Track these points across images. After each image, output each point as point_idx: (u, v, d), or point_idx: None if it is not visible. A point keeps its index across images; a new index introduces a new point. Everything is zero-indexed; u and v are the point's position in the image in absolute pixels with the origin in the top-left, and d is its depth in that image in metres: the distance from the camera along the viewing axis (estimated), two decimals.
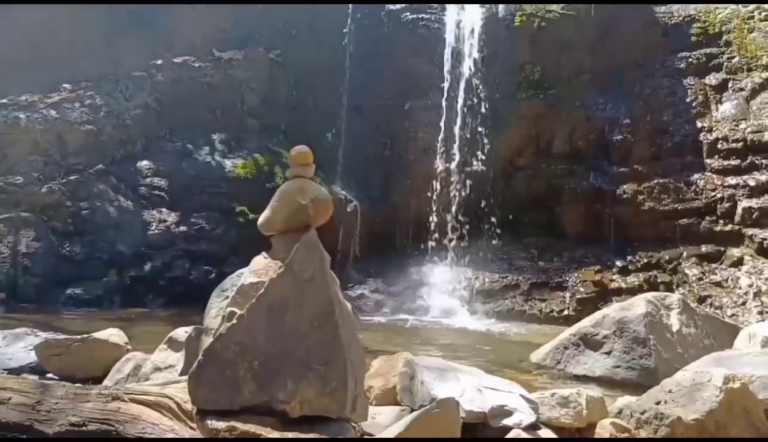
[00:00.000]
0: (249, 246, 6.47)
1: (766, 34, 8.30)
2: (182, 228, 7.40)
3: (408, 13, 8.73)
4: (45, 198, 6.96)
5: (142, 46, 8.17)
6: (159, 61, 8.32)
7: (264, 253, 2.34)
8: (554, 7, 8.59)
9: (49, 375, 3.60)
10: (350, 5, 8.84)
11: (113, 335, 3.87)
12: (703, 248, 7.48)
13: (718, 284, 7.09)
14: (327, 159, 8.35)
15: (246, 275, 2.30)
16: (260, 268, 2.29)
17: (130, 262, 7.01)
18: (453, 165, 8.32)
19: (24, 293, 6.52)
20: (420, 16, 8.73)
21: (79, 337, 3.78)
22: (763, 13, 8.43)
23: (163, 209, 7.47)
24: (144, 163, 7.67)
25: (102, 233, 7.02)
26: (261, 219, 2.36)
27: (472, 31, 8.51)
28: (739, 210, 7.45)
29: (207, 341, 2.29)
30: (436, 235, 8.23)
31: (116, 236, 7.03)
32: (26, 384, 2.49)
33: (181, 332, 3.54)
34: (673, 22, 8.70)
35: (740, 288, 6.95)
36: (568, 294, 7.30)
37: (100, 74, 8.02)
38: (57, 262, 6.76)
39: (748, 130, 7.77)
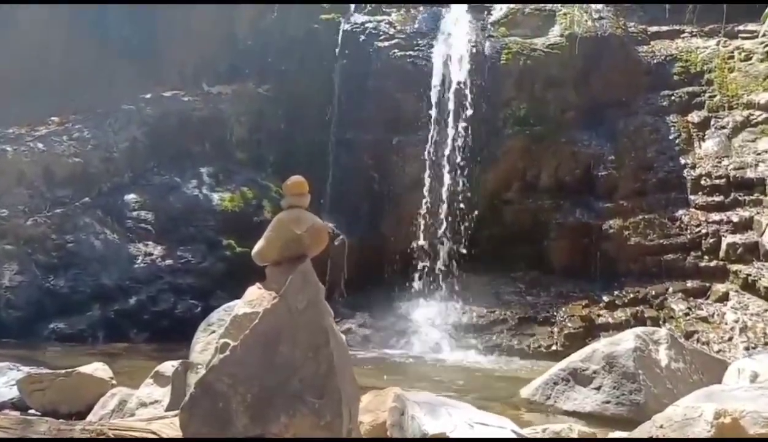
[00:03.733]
0: (236, 280, 6.48)
1: (746, 73, 8.52)
2: (168, 261, 7.34)
3: (396, 50, 8.84)
4: (30, 230, 6.89)
5: (131, 80, 8.21)
6: (148, 95, 8.36)
7: (258, 283, 2.33)
8: (539, 45, 8.75)
9: (32, 411, 3.53)
10: (338, 43, 8.95)
11: (98, 369, 3.81)
12: (689, 284, 7.52)
13: (705, 319, 7.12)
14: (315, 192, 8.30)
15: (240, 306, 2.28)
16: (254, 298, 2.27)
17: (115, 296, 6.92)
18: (440, 199, 8.35)
19: (6, 327, 6.39)
20: (408, 53, 8.83)
21: (63, 371, 3.71)
22: (743, 54, 8.66)
23: (150, 242, 7.42)
24: (131, 196, 7.64)
25: (87, 267, 6.94)
26: (255, 249, 2.35)
27: (459, 68, 8.62)
28: (723, 246, 7.53)
29: (193, 376, 2.26)
30: (424, 269, 8.23)
31: (101, 270, 6.95)
32: (8, 420, 2.44)
33: (167, 367, 3.49)
34: (655, 61, 8.91)
35: (726, 323, 6.99)
36: (556, 329, 7.29)
37: (89, 107, 8.04)
38: (40, 295, 6.66)
39: (731, 167, 7.92)
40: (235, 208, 7.91)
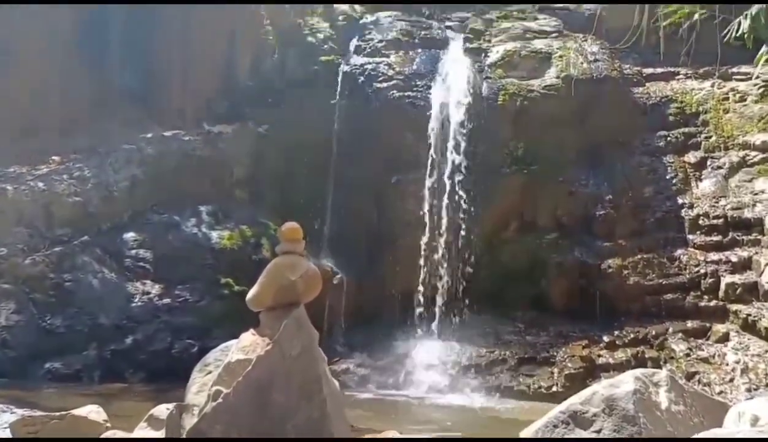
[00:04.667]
0: (233, 319, 6.46)
1: (741, 115, 8.61)
2: (166, 300, 7.32)
3: (395, 91, 8.95)
4: (28, 269, 6.88)
5: (132, 120, 8.30)
6: (149, 134, 8.43)
7: (252, 329, 2.32)
8: (536, 87, 8.86)
9: None
10: (338, 84, 9.06)
11: (92, 411, 3.76)
12: (689, 324, 7.47)
13: (706, 360, 7.06)
14: (314, 231, 8.41)
15: (233, 352, 2.27)
16: (248, 344, 2.26)
17: (112, 335, 6.88)
18: (439, 238, 8.37)
19: (1, 367, 6.34)
20: (406, 93, 8.94)
21: (57, 414, 3.67)
22: (738, 95, 8.78)
23: (147, 281, 7.41)
24: (130, 235, 7.65)
25: (84, 306, 6.92)
26: (250, 295, 2.35)
27: (457, 108, 8.72)
28: (722, 286, 7.50)
29: (188, 419, 2.24)
30: (423, 308, 8.20)
31: (98, 309, 6.93)
32: None
33: (162, 410, 3.44)
34: (651, 102, 9.01)
35: (727, 364, 6.92)
36: (556, 369, 7.22)
37: (90, 147, 8.11)
38: (37, 335, 6.63)
39: (728, 207, 7.94)
40: (233, 246, 7.92)
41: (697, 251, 7.85)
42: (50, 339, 6.67)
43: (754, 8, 8.04)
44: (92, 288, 7.08)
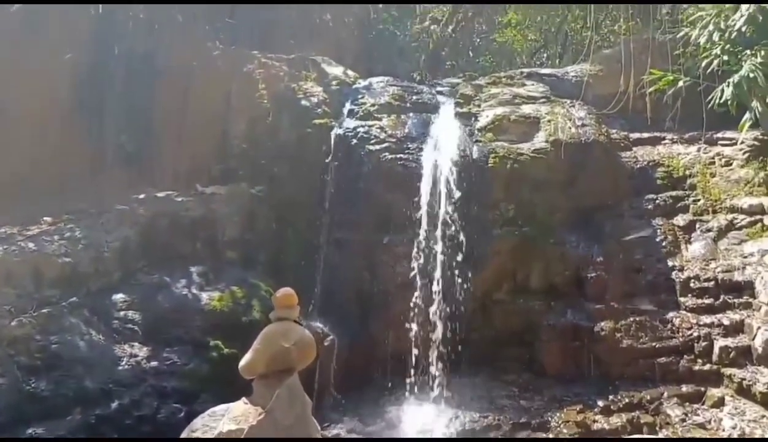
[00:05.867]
0: (221, 383, 6.34)
1: (727, 179, 8.79)
2: (153, 363, 7.16)
3: (387, 153, 9.04)
4: (15, 331, 6.75)
5: (125, 181, 8.34)
6: (141, 195, 8.46)
7: (244, 398, 2.28)
8: (525, 150, 9.00)
9: None
10: (331, 146, 9.18)
11: None
12: (684, 388, 7.40)
13: (702, 426, 6.95)
14: (305, 292, 8.31)
15: (224, 422, 2.22)
16: (239, 414, 2.21)
17: (97, 399, 6.69)
18: (431, 300, 8.32)
19: None
20: (398, 156, 9.03)
21: None
22: (724, 160, 8.97)
23: (135, 344, 7.26)
24: (119, 296, 7.55)
25: (70, 369, 6.74)
26: (242, 362, 2.32)
27: (448, 171, 8.80)
28: (716, 349, 7.49)
29: None
30: (415, 371, 8.08)
31: (85, 372, 6.75)
32: None
33: None
34: (638, 166, 9.19)
35: (724, 430, 6.82)
36: (551, 435, 7.09)
37: (82, 208, 8.11)
38: (20, 399, 6.43)
39: (719, 269, 8.00)
40: (224, 307, 7.82)
41: (689, 314, 7.86)
42: (34, 403, 6.47)
43: (736, 76, 8.28)
44: (79, 350, 6.93)
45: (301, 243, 8.88)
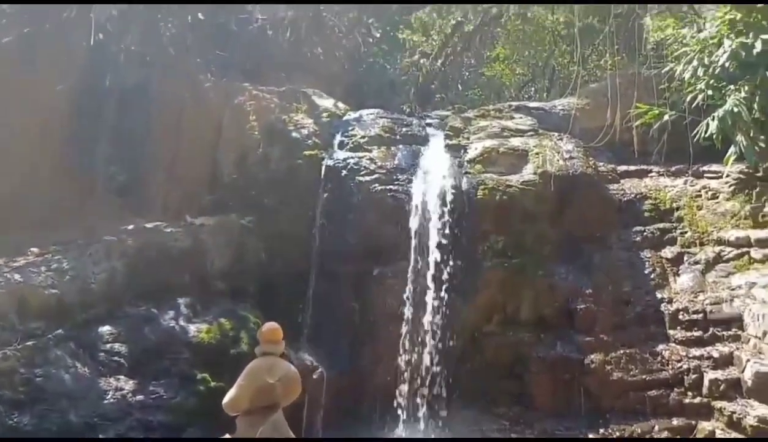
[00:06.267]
0: (208, 416, 6.24)
1: (714, 211, 8.87)
2: (139, 397, 7.05)
3: (377, 185, 9.07)
4: None
5: (114, 212, 8.31)
6: (130, 226, 8.42)
7: (228, 435, 2.25)
8: (514, 182, 9.06)
9: None
10: (321, 177, 9.20)
11: None
12: (675, 422, 7.37)
13: None
14: (294, 324, 8.31)
15: None
16: None
17: (82, 434, 6.56)
18: (421, 332, 8.28)
19: None
20: (388, 187, 9.06)
21: None
22: (710, 193, 9.06)
23: (121, 377, 7.16)
24: (105, 329, 7.46)
25: (54, 402, 6.63)
26: (226, 399, 2.30)
27: (438, 202, 8.83)
28: (706, 382, 7.47)
29: None
30: (405, 405, 8.01)
31: (69, 406, 6.64)
32: None
33: None
34: (626, 198, 9.27)
35: None
36: None
37: (70, 239, 8.05)
38: (2, 434, 6.32)
39: (707, 302, 8.03)
40: (211, 340, 7.74)
41: (678, 347, 7.86)
42: (16, 438, 6.36)
43: (721, 111, 8.41)
44: (64, 384, 6.82)
45: (290, 274, 8.85)
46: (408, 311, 8.33)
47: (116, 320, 7.60)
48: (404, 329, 8.27)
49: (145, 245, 8.33)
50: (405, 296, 8.37)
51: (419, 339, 8.26)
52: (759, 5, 8.72)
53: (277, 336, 2.35)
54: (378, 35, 15.34)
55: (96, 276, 7.81)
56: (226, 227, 9.03)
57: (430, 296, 8.39)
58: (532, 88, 18.31)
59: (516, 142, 9.72)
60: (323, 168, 9.32)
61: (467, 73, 18.27)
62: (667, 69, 9.83)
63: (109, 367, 7.18)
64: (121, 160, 9.55)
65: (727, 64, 8.63)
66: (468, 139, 9.99)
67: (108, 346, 7.33)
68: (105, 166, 9.21)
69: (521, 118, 10.56)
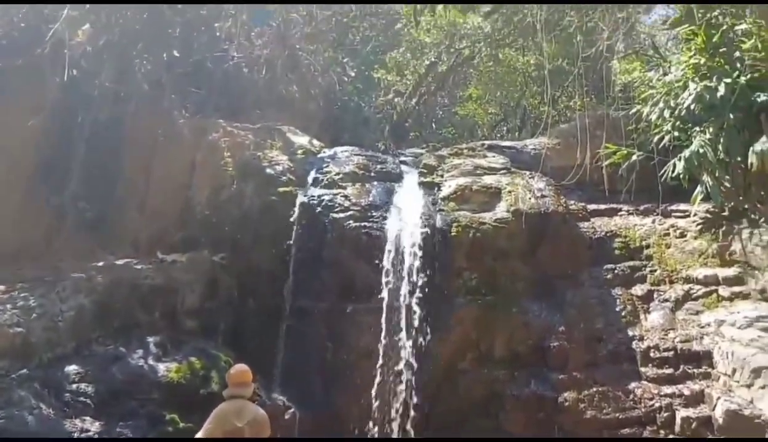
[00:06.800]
0: None
1: (682, 250, 9.04)
2: (106, 439, 6.86)
3: (351, 221, 9.07)
4: None
5: (84, 248, 8.18)
6: (100, 263, 8.29)
7: None
8: (487, 219, 9.13)
9: None
10: (295, 214, 9.18)
11: None
12: None
13: None
14: (266, 363, 8.19)
15: None
16: None
17: None
18: (395, 370, 8.21)
19: None
20: (362, 224, 9.06)
21: None
22: (678, 231, 9.23)
23: (87, 418, 6.96)
24: (72, 368, 7.28)
25: None
26: None
27: (412, 239, 8.84)
28: (678, 420, 7.52)
29: None
30: None
31: None
32: None
33: None
34: (596, 236, 9.40)
35: None
36: None
37: (38, 276, 7.90)
38: None
39: (677, 339, 8.13)
40: (181, 379, 7.59)
41: (650, 384, 7.91)
42: None
43: (687, 151, 8.63)
44: (27, 426, 6.60)
45: (263, 312, 8.75)
46: (382, 349, 8.27)
47: (83, 359, 7.44)
48: (378, 366, 8.19)
49: (115, 282, 8.20)
50: (379, 334, 8.31)
51: (393, 377, 8.18)
52: (721, 50, 9.04)
53: (246, 378, 2.32)
54: (353, 74, 15.54)
55: (63, 314, 7.65)
56: (198, 263, 8.93)
57: (404, 334, 8.35)
58: (505, 128, 18.62)
59: (489, 180, 9.83)
60: (297, 205, 9.30)
61: (441, 112, 18.55)
62: (634, 110, 10.09)
63: (75, 408, 6.98)
64: (91, 196, 9.44)
65: (692, 107, 8.88)
66: (442, 176, 10.09)
67: (74, 386, 7.14)
68: (75, 202, 9.09)
69: (494, 156, 10.71)
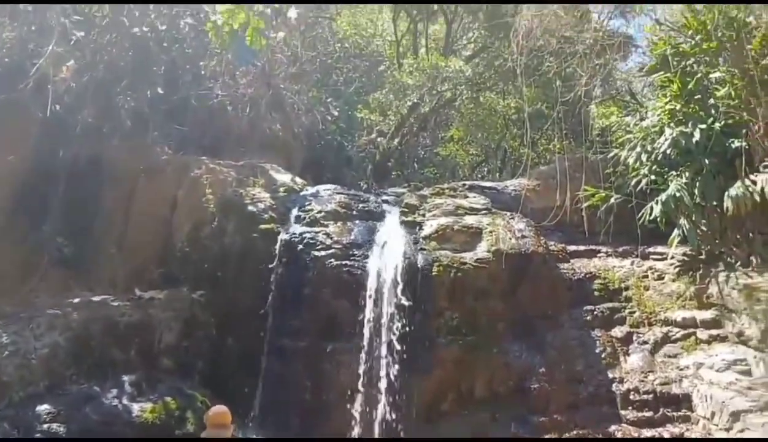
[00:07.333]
0: None
1: (660, 292, 9.13)
2: None
3: (333, 260, 9.04)
4: None
5: (61, 284, 8.07)
6: (76, 300, 8.16)
7: None
8: (468, 259, 9.16)
9: None
10: (276, 251, 9.15)
11: None
12: None
13: None
14: (244, 402, 8.08)
15: None
16: None
17: None
18: (376, 410, 8.12)
19: None
20: (344, 262, 9.03)
21: None
22: (656, 273, 9.34)
23: None
24: (44, 407, 7.10)
25: None
26: None
27: (393, 278, 8.83)
28: None
29: None
30: None
31: None
32: None
33: None
34: (576, 277, 9.46)
35: None
36: None
37: (13, 312, 7.75)
38: None
39: (657, 381, 8.15)
40: (156, 420, 7.45)
41: (630, 427, 7.89)
42: None
43: (664, 195, 8.79)
44: None
45: (242, 350, 8.65)
46: (362, 389, 8.19)
47: (56, 398, 7.28)
48: (358, 406, 8.10)
49: (91, 319, 8.07)
50: (359, 373, 8.24)
51: (373, 417, 8.08)
52: (696, 97, 9.30)
53: (225, 420, 2.29)
54: (336, 114, 15.69)
55: (37, 351, 7.50)
56: (177, 300, 8.84)
57: (384, 373, 8.28)
58: (485, 169, 18.85)
59: (470, 220, 9.89)
60: (279, 242, 9.26)
61: (423, 152, 18.73)
62: (612, 154, 10.29)
63: None
64: (68, 232, 9.34)
65: (668, 152, 9.09)
66: (423, 216, 10.13)
67: (46, 426, 6.98)
68: (53, 237, 8.97)
69: (475, 197, 10.79)
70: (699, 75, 9.27)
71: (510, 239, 9.46)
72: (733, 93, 8.90)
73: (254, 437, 7.73)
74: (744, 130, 8.68)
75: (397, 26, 17.84)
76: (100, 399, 7.46)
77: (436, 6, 16.72)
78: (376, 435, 7.99)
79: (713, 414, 7.41)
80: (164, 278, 9.18)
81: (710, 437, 7.22)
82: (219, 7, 6.04)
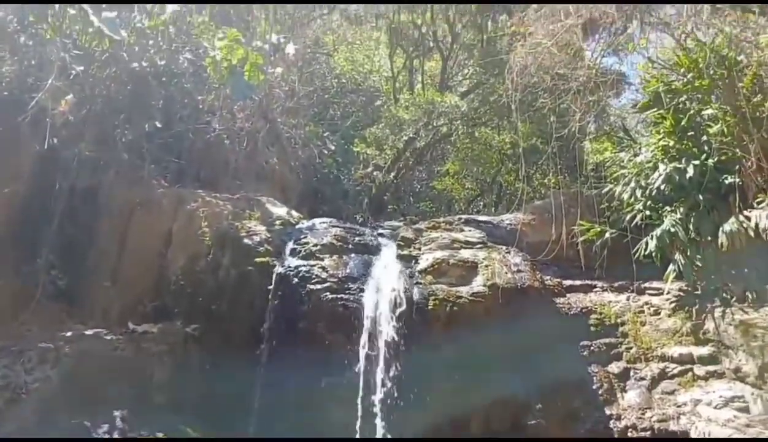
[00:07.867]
0: None
1: (656, 328, 9.10)
2: None
3: (328, 293, 9.01)
4: None
5: (53, 318, 8.01)
6: (69, 333, 8.09)
7: None
8: (464, 293, 9.14)
9: None
10: (271, 284, 9.12)
11: None
12: None
13: None
14: (238, 439, 7.94)
15: None
16: None
17: None
18: None
19: None
20: (339, 296, 9.00)
21: None
22: (652, 309, 9.33)
23: None
24: None
25: None
26: None
27: (389, 311, 8.80)
28: None
29: None
30: None
31: None
32: None
33: None
34: (572, 312, 9.43)
35: None
36: None
37: (4, 346, 7.68)
38: None
39: (654, 418, 8.07)
40: None
41: None
42: None
43: (659, 230, 8.84)
44: None
45: (235, 384, 8.53)
46: (357, 424, 8.08)
47: (47, 433, 7.15)
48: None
49: (83, 353, 8.00)
50: (354, 408, 8.14)
51: None
52: (689, 133, 9.41)
53: None
54: (333, 147, 15.80)
55: (28, 386, 7.40)
56: (170, 334, 8.77)
57: (379, 410, 8.19)
58: (481, 203, 18.92)
59: (466, 254, 9.89)
60: (274, 275, 9.23)
61: (419, 186, 18.84)
62: (607, 189, 10.36)
63: None
64: (62, 265, 9.31)
65: (662, 187, 9.17)
66: (419, 249, 10.13)
67: None
68: (46, 270, 8.94)
69: (470, 230, 10.81)
70: (692, 112, 9.40)
71: (506, 273, 9.46)
72: (725, 130, 9.02)
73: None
74: (737, 166, 8.77)
75: (393, 62, 18.09)
76: (90, 435, 7.35)
77: (431, 43, 16.98)
78: None
79: None
80: (158, 312, 9.13)
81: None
82: (218, 43, 6.12)
